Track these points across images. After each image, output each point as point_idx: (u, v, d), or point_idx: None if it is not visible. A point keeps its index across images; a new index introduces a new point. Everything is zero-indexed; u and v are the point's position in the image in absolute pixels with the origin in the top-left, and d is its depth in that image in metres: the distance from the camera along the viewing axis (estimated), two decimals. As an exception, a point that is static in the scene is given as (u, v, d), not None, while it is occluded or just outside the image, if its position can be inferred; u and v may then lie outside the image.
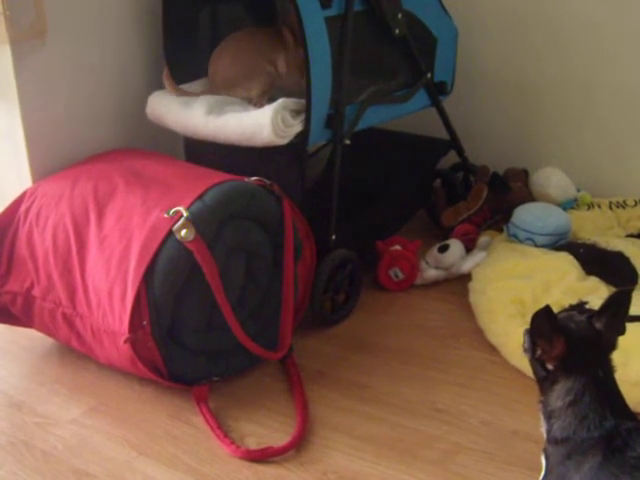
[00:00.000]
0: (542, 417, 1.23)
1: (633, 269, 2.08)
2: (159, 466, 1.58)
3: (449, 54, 2.40)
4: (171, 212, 1.67)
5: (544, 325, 1.18)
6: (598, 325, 1.21)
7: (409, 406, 1.75)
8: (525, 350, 1.26)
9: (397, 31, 2.14)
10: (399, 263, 2.22)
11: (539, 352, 1.21)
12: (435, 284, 2.27)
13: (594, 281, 2.02)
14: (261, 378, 1.86)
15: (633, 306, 1.82)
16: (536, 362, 1.23)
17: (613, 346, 1.22)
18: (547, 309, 1.17)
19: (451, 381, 1.84)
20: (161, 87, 2.18)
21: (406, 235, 2.35)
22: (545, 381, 1.22)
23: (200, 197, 1.70)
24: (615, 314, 1.22)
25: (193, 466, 1.58)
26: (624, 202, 2.50)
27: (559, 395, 1.19)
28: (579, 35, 2.55)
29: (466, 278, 2.18)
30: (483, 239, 2.36)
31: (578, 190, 2.54)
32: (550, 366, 1.20)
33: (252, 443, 1.64)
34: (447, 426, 1.68)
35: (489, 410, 1.72)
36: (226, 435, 1.64)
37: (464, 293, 2.13)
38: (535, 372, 1.24)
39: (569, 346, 1.18)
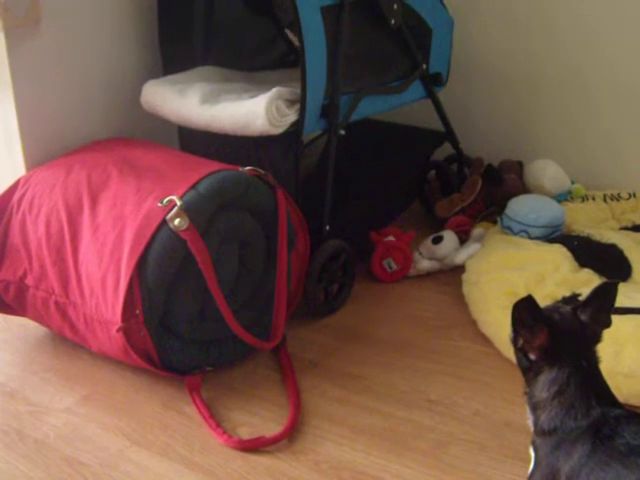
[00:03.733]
0: (528, 409, 1.23)
1: (626, 262, 2.08)
2: (152, 455, 1.58)
3: (444, 45, 2.40)
4: (165, 201, 1.66)
5: (525, 314, 1.18)
6: (583, 317, 1.21)
7: (402, 396, 1.75)
8: (511, 341, 1.26)
9: (393, 22, 2.13)
10: (393, 254, 2.23)
11: (521, 342, 1.21)
12: (429, 275, 2.28)
13: (588, 273, 2.02)
14: (254, 368, 1.87)
15: (628, 298, 1.83)
16: (519, 352, 1.23)
17: (598, 338, 1.23)
18: (529, 298, 1.17)
19: (444, 372, 1.84)
20: (156, 76, 2.18)
21: (400, 226, 2.35)
22: (529, 372, 1.22)
23: (194, 186, 1.70)
24: (601, 306, 1.22)
25: (186, 455, 1.58)
26: (618, 195, 2.50)
27: (544, 386, 1.19)
28: (575, 28, 2.55)
29: (460, 269, 2.18)
30: (477, 231, 2.36)
31: (572, 182, 2.54)
32: (533, 356, 1.20)
33: (244, 433, 1.64)
34: (440, 417, 1.68)
35: (482, 401, 1.73)
36: (218, 425, 1.64)
37: (458, 284, 2.14)
38: (519, 362, 1.25)
39: (552, 336, 1.18)
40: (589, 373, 1.19)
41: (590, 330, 1.21)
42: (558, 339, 1.18)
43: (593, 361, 1.20)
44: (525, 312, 1.18)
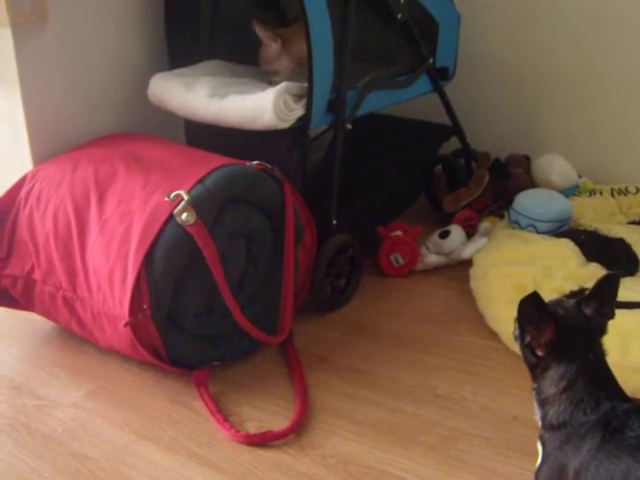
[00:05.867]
0: (536, 404, 1.23)
1: (634, 256, 2.08)
2: (159, 450, 1.58)
3: (451, 40, 2.39)
4: (172, 196, 1.66)
5: (532, 311, 1.18)
6: (587, 310, 1.21)
7: (409, 391, 1.75)
8: (515, 338, 1.25)
9: (399, 16, 2.13)
10: (400, 249, 2.22)
11: (528, 339, 1.20)
12: (436, 270, 2.28)
13: (595, 267, 2.01)
14: (261, 363, 1.87)
15: (635, 293, 1.83)
16: (526, 349, 1.22)
17: (603, 330, 1.22)
18: (535, 295, 1.16)
19: (451, 366, 1.84)
20: (162, 70, 2.18)
21: (407, 221, 2.35)
22: (536, 368, 1.22)
23: (201, 181, 1.70)
24: (604, 298, 1.22)
25: (193, 450, 1.58)
26: (626, 189, 2.49)
27: (552, 381, 1.18)
28: (583, 20, 2.54)
29: (467, 264, 2.18)
30: (484, 225, 2.36)
31: (580, 177, 2.54)
32: (540, 352, 1.20)
33: (252, 427, 1.64)
34: (447, 411, 1.68)
35: (489, 396, 1.72)
36: (226, 419, 1.64)
37: (465, 279, 2.13)
38: (526, 359, 1.24)
39: (558, 332, 1.17)
40: (597, 367, 1.18)
41: (595, 323, 1.21)
42: (565, 334, 1.18)
43: (600, 354, 1.20)
44: (531, 309, 1.18)
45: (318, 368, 1.84)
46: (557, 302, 1.24)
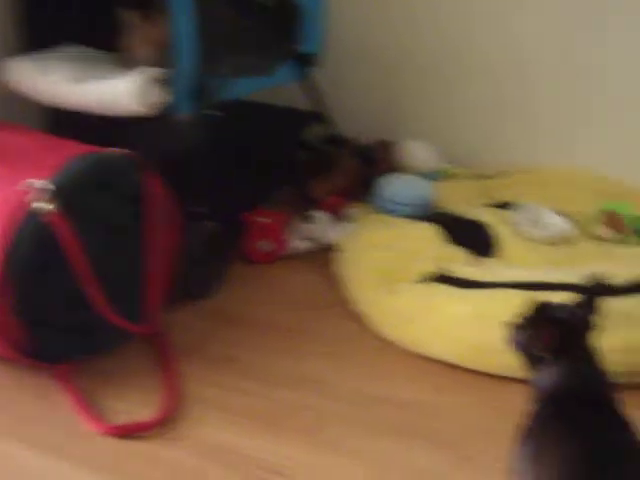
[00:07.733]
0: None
1: (495, 238, 2.15)
2: (25, 447, 1.54)
3: (315, 24, 2.40)
4: (30, 185, 1.61)
5: (537, 320, 1.31)
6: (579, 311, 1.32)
7: (279, 378, 1.76)
8: (512, 342, 1.35)
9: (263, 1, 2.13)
10: (266, 235, 2.22)
11: (531, 342, 1.31)
12: (303, 255, 2.29)
13: (457, 250, 2.08)
14: (130, 355, 1.83)
15: (486, 273, 1.89)
16: (527, 351, 1.33)
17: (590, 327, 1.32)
18: (541, 306, 1.31)
19: (320, 351, 1.86)
20: (18, 52, 2.10)
21: (273, 207, 2.35)
22: (535, 365, 1.32)
23: (62, 169, 1.65)
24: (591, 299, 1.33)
25: (59, 446, 1.54)
26: (487, 173, 2.58)
27: (549, 375, 1.28)
28: (453, 7, 2.60)
29: (334, 249, 2.20)
30: (350, 210, 2.39)
31: (442, 162, 2.60)
32: (543, 353, 1.29)
33: (120, 420, 1.61)
34: (316, 395, 1.70)
35: (357, 378, 1.75)
36: (94, 413, 1.61)
37: (332, 264, 2.16)
38: (524, 358, 1.34)
39: (561, 334, 1.28)
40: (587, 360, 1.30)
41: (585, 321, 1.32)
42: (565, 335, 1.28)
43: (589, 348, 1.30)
44: (538, 317, 1.31)
45: (188, 358, 1.82)
46: (558, 307, 1.34)
